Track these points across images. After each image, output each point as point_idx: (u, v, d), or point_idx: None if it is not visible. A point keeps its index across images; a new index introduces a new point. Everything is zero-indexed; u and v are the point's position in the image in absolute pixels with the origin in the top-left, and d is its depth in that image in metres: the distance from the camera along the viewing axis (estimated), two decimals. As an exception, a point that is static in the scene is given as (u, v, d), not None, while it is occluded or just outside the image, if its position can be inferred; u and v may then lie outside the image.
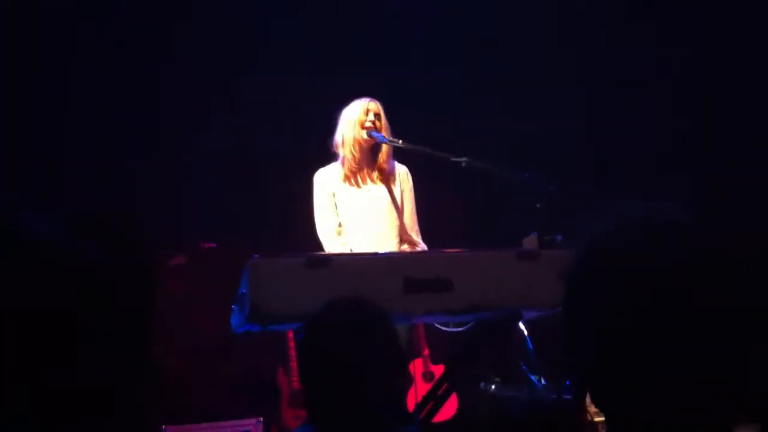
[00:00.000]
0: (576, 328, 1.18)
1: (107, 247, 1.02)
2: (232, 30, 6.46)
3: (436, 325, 4.64)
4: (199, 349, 5.89)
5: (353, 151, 4.53)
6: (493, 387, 5.15)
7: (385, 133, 4.54)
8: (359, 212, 4.54)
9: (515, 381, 4.85)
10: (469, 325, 3.86)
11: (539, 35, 6.69)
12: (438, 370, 5.77)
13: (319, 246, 4.54)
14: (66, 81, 6.11)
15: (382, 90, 4.83)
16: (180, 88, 6.28)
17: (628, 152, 6.68)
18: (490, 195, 5.87)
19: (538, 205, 4.05)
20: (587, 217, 1.24)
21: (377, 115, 4.55)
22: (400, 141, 4.49)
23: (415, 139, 4.53)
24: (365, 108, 4.55)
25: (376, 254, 4.04)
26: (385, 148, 4.57)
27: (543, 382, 4.70)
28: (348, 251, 4.43)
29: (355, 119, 4.54)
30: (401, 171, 4.67)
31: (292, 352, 5.70)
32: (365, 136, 4.51)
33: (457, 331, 4.22)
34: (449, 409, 5.48)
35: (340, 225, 4.55)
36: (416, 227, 4.65)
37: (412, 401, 5.30)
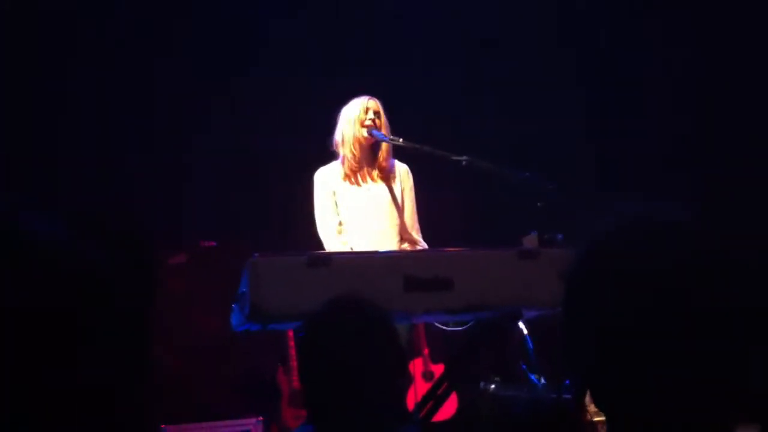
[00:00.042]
0: (576, 328, 1.18)
1: (107, 247, 1.02)
2: (232, 30, 6.46)
3: (436, 324, 4.64)
4: (199, 349, 5.89)
5: (353, 149, 4.53)
6: (492, 386, 5.14)
7: (384, 131, 4.54)
8: (359, 211, 4.54)
9: (515, 380, 4.85)
10: (469, 324, 3.86)
11: (539, 35, 6.69)
12: (438, 369, 5.77)
13: (319, 245, 4.54)
14: (66, 81, 6.11)
15: (382, 90, 4.83)
16: (180, 88, 6.28)
17: (628, 152, 6.68)
18: (490, 194, 5.87)
19: (538, 204, 4.05)
20: (587, 217, 1.24)
21: (377, 113, 4.55)
22: (401, 140, 4.49)
23: (415, 138, 4.53)
24: (365, 106, 4.55)
25: (376, 253, 4.04)
26: (384, 146, 4.57)
27: (543, 381, 4.69)
28: (349, 250, 4.43)
29: (355, 117, 4.53)
30: (401, 169, 4.66)
31: (292, 352, 5.70)
32: (365, 135, 4.51)
33: (456, 331, 4.23)
34: (449, 408, 5.47)
35: (340, 224, 4.55)
36: (417, 226, 4.65)
37: (411, 400, 5.30)
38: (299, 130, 6.13)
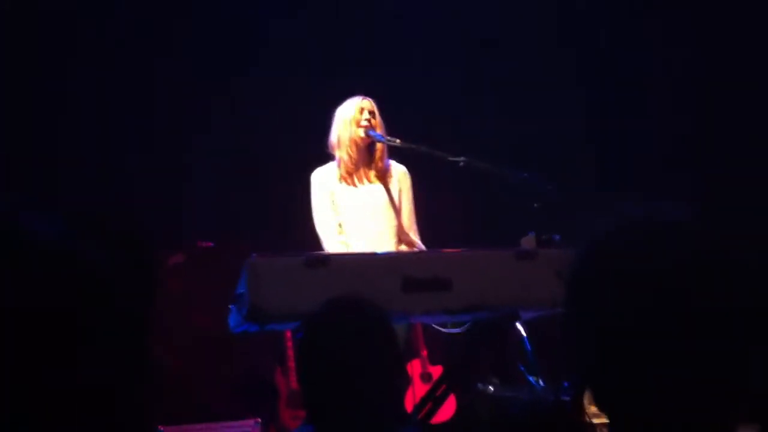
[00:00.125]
0: (576, 328, 1.18)
1: (107, 247, 1.02)
2: (232, 30, 6.46)
3: (434, 326, 4.64)
4: (197, 349, 5.88)
5: (350, 151, 4.51)
6: (491, 388, 5.14)
7: (380, 130, 4.53)
8: (356, 212, 4.52)
9: (513, 382, 4.85)
10: (467, 326, 3.86)
11: (539, 35, 6.69)
12: (436, 371, 5.76)
13: (318, 245, 4.54)
14: (66, 81, 6.11)
15: (382, 90, 4.82)
16: (180, 88, 6.29)
17: (628, 152, 6.68)
18: (488, 195, 5.87)
19: (535, 205, 4.04)
20: (587, 217, 1.24)
21: (372, 113, 4.53)
22: (398, 140, 4.48)
23: (415, 139, 4.52)
24: (359, 107, 4.53)
25: (374, 254, 4.04)
26: (380, 146, 4.55)
27: (541, 383, 4.69)
28: (348, 250, 4.42)
29: (350, 118, 4.51)
30: (399, 170, 4.64)
31: (290, 353, 5.69)
32: (362, 135, 4.50)
33: (455, 333, 4.23)
34: (447, 410, 5.47)
35: (339, 225, 4.53)
36: (415, 227, 4.63)
37: (410, 402, 5.29)
38: (299, 130, 6.12)
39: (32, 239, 0.94)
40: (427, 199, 4.80)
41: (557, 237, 3.69)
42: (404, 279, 3.27)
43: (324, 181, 4.56)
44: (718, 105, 6.28)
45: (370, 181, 4.57)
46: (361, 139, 4.50)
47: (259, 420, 5.51)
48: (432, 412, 3.63)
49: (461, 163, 4.26)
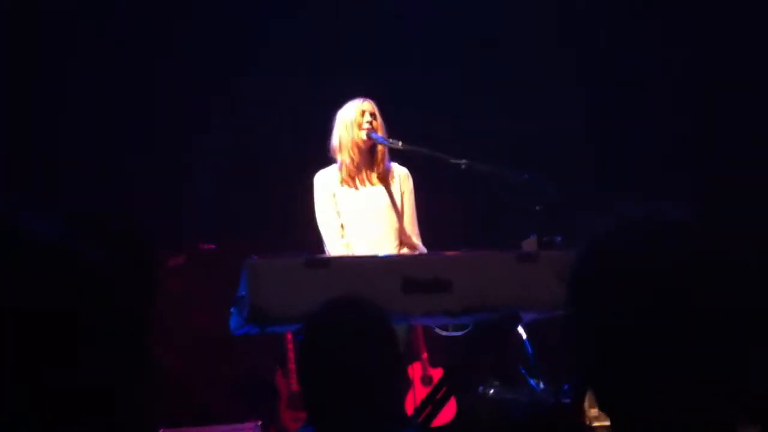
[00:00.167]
0: (577, 329, 1.18)
1: (107, 247, 1.02)
2: (232, 30, 6.46)
3: (435, 329, 4.64)
4: (198, 350, 5.88)
5: (352, 154, 4.49)
6: (491, 390, 5.13)
7: (381, 132, 4.51)
8: (358, 214, 4.51)
9: (514, 384, 4.85)
10: (468, 329, 3.86)
11: (539, 35, 6.68)
12: (437, 373, 5.75)
13: (319, 246, 4.53)
14: (66, 81, 6.11)
15: (382, 90, 4.82)
16: (180, 88, 6.29)
17: (628, 152, 6.68)
18: (489, 197, 5.87)
19: (537, 207, 4.04)
20: (587, 217, 1.24)
21: (373, 115, 4.51)
22: (400, 143, 4.46)
23: (415, 139, 4.52)
24: (360, 109, 4.51)
25: (375, 256, 4.04)
26: (381, 147, 4.54)
27: (542, 385, 4.69)
28: (350, 252, 4.42)
29: (352, 121, 4.49)
30: (401, 173, 4.63)
31: (291, 354, 5.69)
32: (364, 138, 4.48)
33: (455, 335, 4.22)
34: (448, 412, 5.46)
35: (342, 226, 4.52)
36: (416, 230, 4.62)
37: (411, 405, 5.29)
38: (299, 130, 6.13)
39: (32, 239, 0.94)
40: (428, 201, 4.79)
41: (559, 239, 3.68)
42: (404, 280, 3.27)
43: (326, 184, 4.54)
44: (718, 105, 6.28)
45: (371, 184, 4.56)
46: (363, 141, 4.48)
47: (260, 422, 5.51)
48: (432, 415, 3.63)
49: (463, 166, 4.25)
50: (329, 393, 2.13)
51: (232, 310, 3.39)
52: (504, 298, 3.36)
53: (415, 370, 5.76)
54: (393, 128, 4.61)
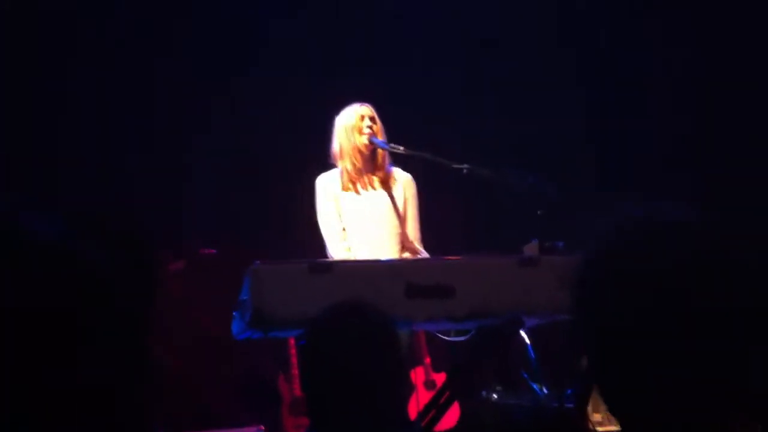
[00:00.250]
0: (579, 329, 1.18)
1: (107, 247, 1.02)
2: (232, 30, 6.46)
3: (438, 335, 4.63)
4: (200, 355, 5.88)
5: (354, 160, 4.47)
6: (494, 395, 5.15)
7: (380, 136, 4.50)
8: (360, 218, 4.50)
9: (517, 389, 4.85)
10: (470, 334, 3.85)
11: (539, 35, 6.69)
12: (440, 378, 5.74)
13: (319, 247, 4.53)
14: (66, 81, 6.11)
15: (382, 90, 4.83)
16: (180, 88, 6.29)
17: (628, 152, 6.69)
18: (491, 201, 5.86)
19: (539, 212, 4.04)
20: (587, 218, 1.24)
21: (372, 119, 4.49)
22: (402, 147, 4.43)
23: (414, 139, 4.51)
24: (359, 114, 4.49)
25: (377, 260, 4.03)
26: (383, 152, 4.52)
27: (545, 390, 4.69)
28: (352, 256, 4.41)
29: (352, 126, 4.47)
30: (405, 178, 4.60)
31: (294, 360, 5.70)
32: (365, 143, 4.46)
33: (458, 340, 4.21)
34: (451, 417, 5.46)
35: (344, 229, 4.51)
36: (419, 236, 4.59)
37: (414, 410, 5.28)
38: (299, 130, 6.13)
39: (32, 239, 0.95)
40: (429, 206, 4.78)
41: (560, 244, 3.68)
42: (407, 285, 3.26)
43: (328, 187, 4.52)
44: (718, 105, 6.28)
45: (373, 188, 4.54)
46: (365, 146, 4.46)
47: (263, 427, 5.51)
48: (436, 420, 3.62)
49: (465, 171, 4.24)
50: (332, 398, 2.13)
51: (234, 314, 3.39)
52: (506, 303, 3.35)
53: (418, 375, 5.75)
54: (393, 128, 4.60)
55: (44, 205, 1.03)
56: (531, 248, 3.71)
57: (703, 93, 6.35)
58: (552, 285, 3.05)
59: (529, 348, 4.72)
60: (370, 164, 4.52)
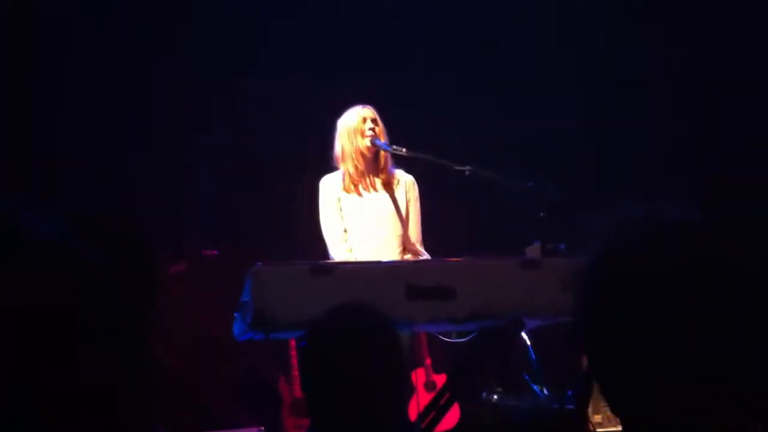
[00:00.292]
0: (580, 330, 1.18)
1: (107, 247, 1.02)
2: (232, 30, 6.46)
3: (440, 336, 4.63)
4: (201, 356, 5.88)
5: (356, 162, 4.46)
6: (495, 397, 5.14)
7: (383, 137, 4.50)
8: (362, 220, 4.49)
9: (517, 391, 4.85)
10: (471, 335, 3.85)
11: (539, 35, 6.69)
12: (440, 379, 5.74)
13: (319, 247, 4.53)
14: (66, 81, 6.11)
15: (382, 90, 4.83)
16: (180, 88, 6.29)
17: (628, 152, 6.69)
18: (493, 203, 5.86)
19: (541, 214, 4.04)
20: (587, 218, 1.24)
21: (374, 121, 4.48)
22: (404, 149, 4.43)
23: (415, 139, 4.51)
24: (361, 116, 4.48)
25: (379, 262, 4.03)
26: (385, 153, 4.51)
27: (545, 391, 4.69)
28: (354, 257, 4.40)
29: (354, 128, 4.46)
30: (407, 180, 4.60)
31: (294, 361, 5.70)
32: (368, 145, 4.45)
33: (459, 342, 4.21)
34: (451, 418, 5.46)
35: (345, 231, 4.51)
36: (420, 238, 4.59)
37: (414, 411, 5.28)
38: (299, 130, 6.13)
39: (32, 239, 0.95)
40: (431, 207, 4.78)
41: (563, 246, 3.68)
42: (408, 287, 3.26)
43: (331, 189, 4.52)
44: (718, 105, 6.28)
45: (376, 190, 4.53)
46: (368, 149, 4.46)
47: (263, 428, 5.51)
48: (436, 421, 3.62)
49: (467, 172, 4.23)
50: (333, 399, 2.13)
51: (235, 315, 3.39)
52: (508, 305, 3.35)
53: (418, 376, 5.75)
54: (393, 129, 4.60)
55: (44, 205, 1.03)
56: (533, 250, 3.71)
57: (703, 93, 6.35)
58: (554, 287, 3.06)
59: (530, 349, 4.72)
60: (373, 166, 4.51)
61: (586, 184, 6.38)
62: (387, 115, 4.60)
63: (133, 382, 1.01)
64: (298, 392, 5.65)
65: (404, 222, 4.55)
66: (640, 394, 1.11)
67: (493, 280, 3.37)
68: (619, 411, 1.16)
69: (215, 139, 6.42)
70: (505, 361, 4.44)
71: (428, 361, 5.84)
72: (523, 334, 4.38)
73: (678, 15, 6.48)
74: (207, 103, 6.37)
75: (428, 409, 3.68)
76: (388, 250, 4.46)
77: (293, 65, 6.49)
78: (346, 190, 4.50)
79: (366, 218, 4.49)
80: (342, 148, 4.50)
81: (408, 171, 4.64)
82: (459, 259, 3.59)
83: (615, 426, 4.76)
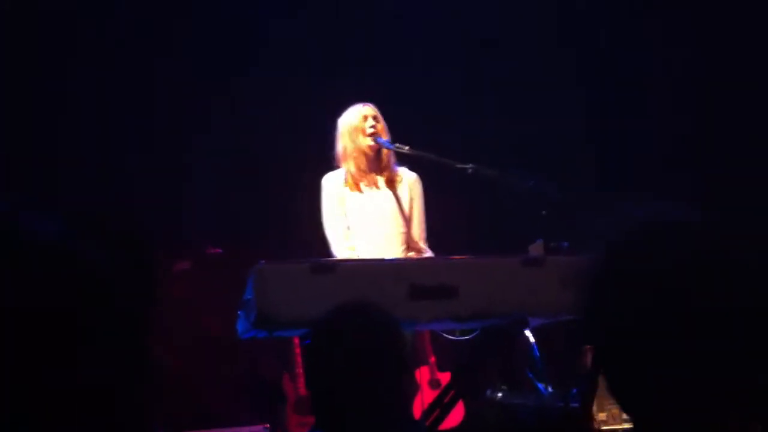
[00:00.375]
0: (582, 329, 1.18)
1: (107, 247, 1.02)
2: (232, 30, 6.46)
3: (443, 334, 4.63)
4: (203, 353, 5.88)
5: (358, 162, 4.45)
6: (499, 394, 5.13)
7: (384, 135, 4.48)
8: (365, 218, 4.48)
9: (522, 388, 4.85)
10: (475, 333, 3.85)
11: (539, 35, 6.69)
12: (445, 377, 5.75)
13: (321, 246, 4.52)
14: (66, 81, 6.11)
15: (382, 90, 4.82)
16: (180, 88, 6.29)
17: (628, 152, 6.69)
18: (495, 201, 5.86)
19: (543, 212, 4.03)
20: (587, 218, 1.24)
21: (375, 119, 4.46)
22: (407, 147, 4.41)
23: (415, 139, 4.51)
24: (362, 114, 4.47)
25: (381, 260, 4.03)
26: (387, 151, 4.50)
27: (549, 389, 4.69)
28: (356, 255, 4.40)
29: (355, 127, 4.45)
30: (410, 178, 4.59)
31: (298, 359, 5.70)
32: (370, 143, 4.44)
33: (463, 340, 4.21)
34: (456, 416, 5.46)
35: (348, 229, 4.50)
36: (424, 236, 4.57)
37: (418, 409, 5.29)
38: (299, 130, 6.13)
39: (32, 239, 0.95)
40: (433, 205, 4.77)
41: (565, 244, 3.68)
42: (411, 286, 3.26)
43: (334, 186, 4.50)
44: (718, 105, 6.28)
45: (378, 188, 4.52)
46: (370, 147, 4.44)
47: (267, 426, 5.51)
48: (440, 419, 3.62)
49: (469, 171, 4.22)
50: (337, 397, 2.13)
51: (239, 313, 3.39)
52: (511, 303, 3.35)
53: (422, 374, 5.75)
54: (393, 129, 4.59)
55: (44, 205, 1.03)
56: (536, 248, 3.70)
57: (703, 93, 6.35)
58: (557, 285, 3.06)
59: (534, 347, 4.72)
60: (375, 164, 4.50)
61: (586, 184, 6.38)
62: (387, 115, 4.59)
63: (133, 382, 1.01)
64: (302, 390, 5.65)
65: (407, 220, 4.54)
66: (641, 394, 1.11)
67: (496, 279, 3.37)
68: (625, 409, 1.16)
69: (215, 139, 6.42)
70: (509, 358, 4.44)
71: (432, 358, 5.85)
72: (527, 332, 4.38)
73: (678, 15, 6.47)
74: (207, 103, 6.37)
75: (432, 406, 3.69)
76: (391, 248, 4.45)
77: (293, 65, 6.48)
78: (349, 187, 4.49)
79: (369, 216, 4.48)
80: (343, 147, 4.49)
81: (411, 169, 4.63)
82: (462, 257, 3.59)
83: (619, 424, 4.76)
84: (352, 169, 4.46)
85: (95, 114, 6.23)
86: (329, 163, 4.61)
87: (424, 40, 6.69)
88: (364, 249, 4.44)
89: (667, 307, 1.09)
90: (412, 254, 4.53)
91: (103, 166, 6.18)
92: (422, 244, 4.56)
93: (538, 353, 4.68)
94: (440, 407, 3.62)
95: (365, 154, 4.46)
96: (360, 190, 4.49)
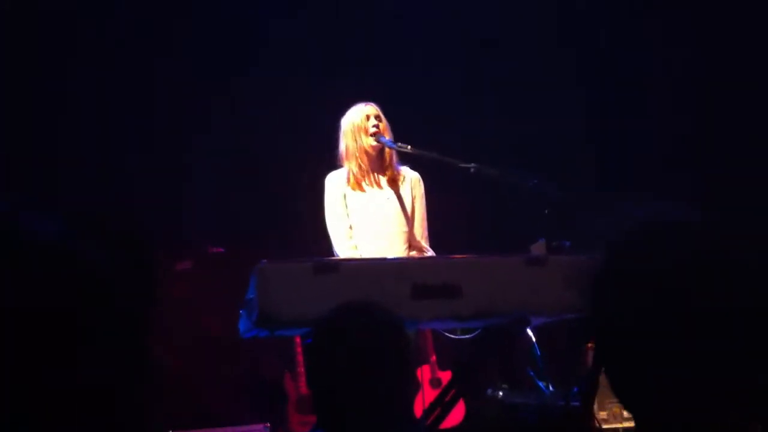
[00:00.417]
0: (584, 328, 1.18)
1: (107, 247, 1.02)
2: (232, 30, 6.46)
3: (445, 333, 4.63)
4: (204, 352, 5.89)
5: (360, 161, 4.45)
6: (500, 393, 5.13)
7: (387, 134, 4.49)
8: (367, 217, 4.49)
9: (523, 387, 4.85)
10: (476, 332, 3.85)
11: (539, 35, 6.69)
12: (445, 376, 5.76)
13: (322, 246, 4.52)
14: (66, 81, 6.11)
15: (382, 90, 4.82)
16: (180, 88, 6.29)
17: (628, 152, 6.69)
18: (497, 200, 5.86)
19: (545, 212, 4.03)
20: (587, 218, 1.24)
21: (378, 118, 4.47)
22: (409, 146, 4.41)
23: (415, 139, 4.51)
24: (365, 114, 4.47)
25: (384, 259, 4.03)
26: (390, 150, 4.51)
27: (551, 388, 4.69)
28: (359, 254, 4.40)
29: (357, 127, 4.45)
30: (413, 177, 4.59)
31: (299, 358, 5.70)
32: (373, 143, 4.44)
33: (464, 338, 4.21)
34: (457, 415, 5.47)
35: (351, 227, 4.50)
36: (426, 234, 4.57)
37: (419, 407, 5.29)
38: (299, 130, 6.13)
39: (32, 239, 0.95)
40: (436, 204, 4.77)
41: (567, 243, 3.67)
42: (413, 285, 3.25)
43: (336, 185, 4.51)
44: (718, 105, 6.28)
45: (380, 187, 4.52)
46: (372, 147, 4.44)
47: (269, 425, 5.51)
48: (441, 417, 3.62)
49: (472, 170, 4.22)
50: (338, 396, 2.13)
51: (241, 312, 3.39)
52: (513, 303, 3.35)
53: (424, 373, 5.76)
54: (393, 129, 4.59)
55: (44, 205, 1.03)
56: (538, 247, 3.70)
57: (703, 93, 6.36)
58: (559, 284, 3.05)
59: (535, 346, 4.72)
60: (378, 164, 4.51)
61: (586, 184, 6.38)
62: (387, 115, 4.59)
63: (133, 382, 1.01)
64: (303, 389, 5.66)
65: (409, 219, 4.55)
66: (642, 394, 1.11)
67: (498, 278, 3.36)
68: (626, 408, 1.16)
69: (215, 139, 6.42)
70: (510, 357, 4.44)
71: (433, 357, 5.86)
72: (528, 331, 4.38)
73: (678, 15, 6.48)
74: (207, 103, 6.37)
75: (434, 405, 3.68)
76: (394, 247, 4.46)
77: (293, 65, 6.48)
78: (352, 186, 4.50)
79: (371, 215, 4.49)
80: (346, 146, 4.49)
81: (411, 168, 4.64)
82: (464, 256, 3.59)
83: (620, 423, 4.77)
84: (355, 168, 4.47)
85: (95, 114, 6.23)
86: (329, 162, 4.61)
87: (424, 40, 6.69)
88: (367, 248, 4.44)
89: (668, 307, 1.09)
90: (414, 253, 4.53)
91: (103, 166, 6.18)
92: (424, 244, 4.57)
93: (539, 352, 4.68)
94: (441, 406, 3.62)
95: (368, 154, 4.46)
96: (362, 190, 4.50)
